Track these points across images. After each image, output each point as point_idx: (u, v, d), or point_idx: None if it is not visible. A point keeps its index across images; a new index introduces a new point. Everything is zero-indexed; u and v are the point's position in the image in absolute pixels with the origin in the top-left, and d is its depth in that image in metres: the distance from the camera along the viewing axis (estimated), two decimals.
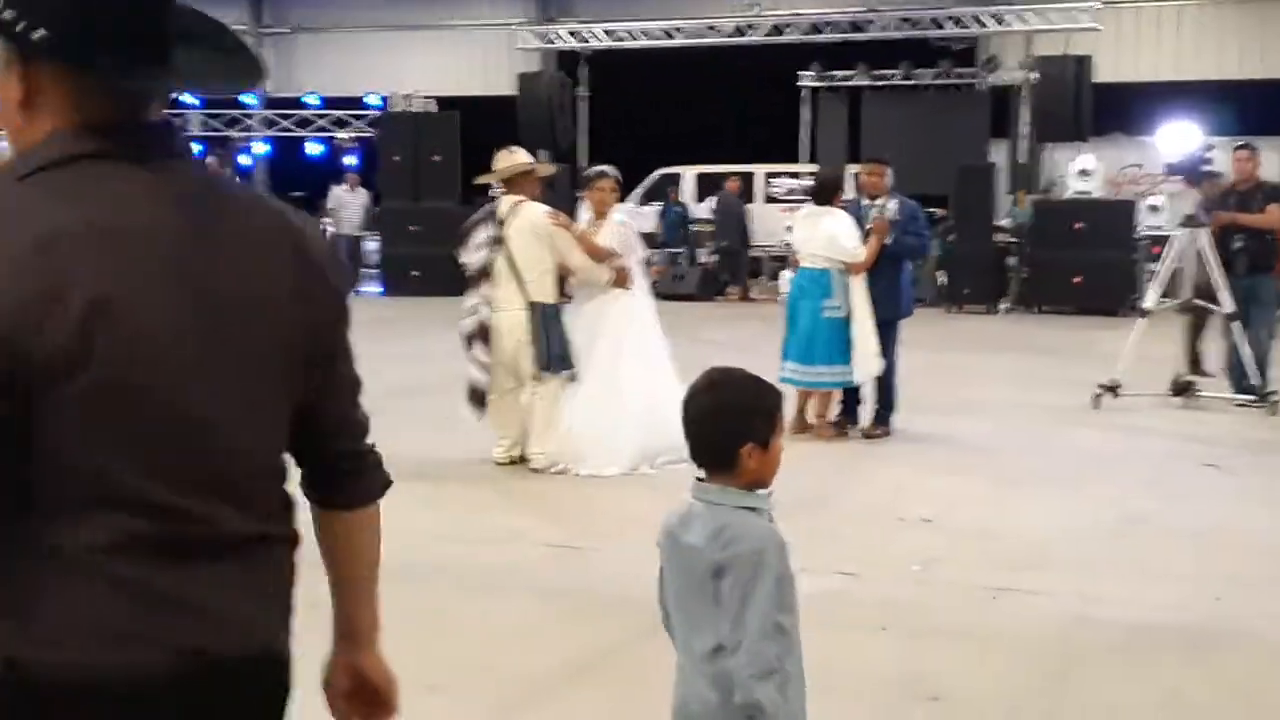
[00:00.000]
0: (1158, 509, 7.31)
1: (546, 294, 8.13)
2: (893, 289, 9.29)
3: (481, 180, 8.99)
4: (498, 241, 8.12)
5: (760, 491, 2.72)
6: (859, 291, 9.00)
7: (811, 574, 5.94)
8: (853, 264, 9.00)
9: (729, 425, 2.71)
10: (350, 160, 24.98)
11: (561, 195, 15.63)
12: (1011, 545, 6.57)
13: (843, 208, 9.30)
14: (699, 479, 2.75)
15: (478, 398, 8.14)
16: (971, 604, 5.67)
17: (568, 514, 7.26)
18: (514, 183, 8.33)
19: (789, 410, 9.22)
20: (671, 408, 8.12)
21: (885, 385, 9.37)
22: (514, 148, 8.54)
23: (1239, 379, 10.71)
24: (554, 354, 8.07)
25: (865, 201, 9.39)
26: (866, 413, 9.49)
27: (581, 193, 8.59)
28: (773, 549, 2.60)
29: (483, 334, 8.08)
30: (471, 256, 8.23)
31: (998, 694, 4.65)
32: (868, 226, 9.10)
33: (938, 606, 5.65)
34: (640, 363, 8.32)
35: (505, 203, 8.23)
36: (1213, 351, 11.64)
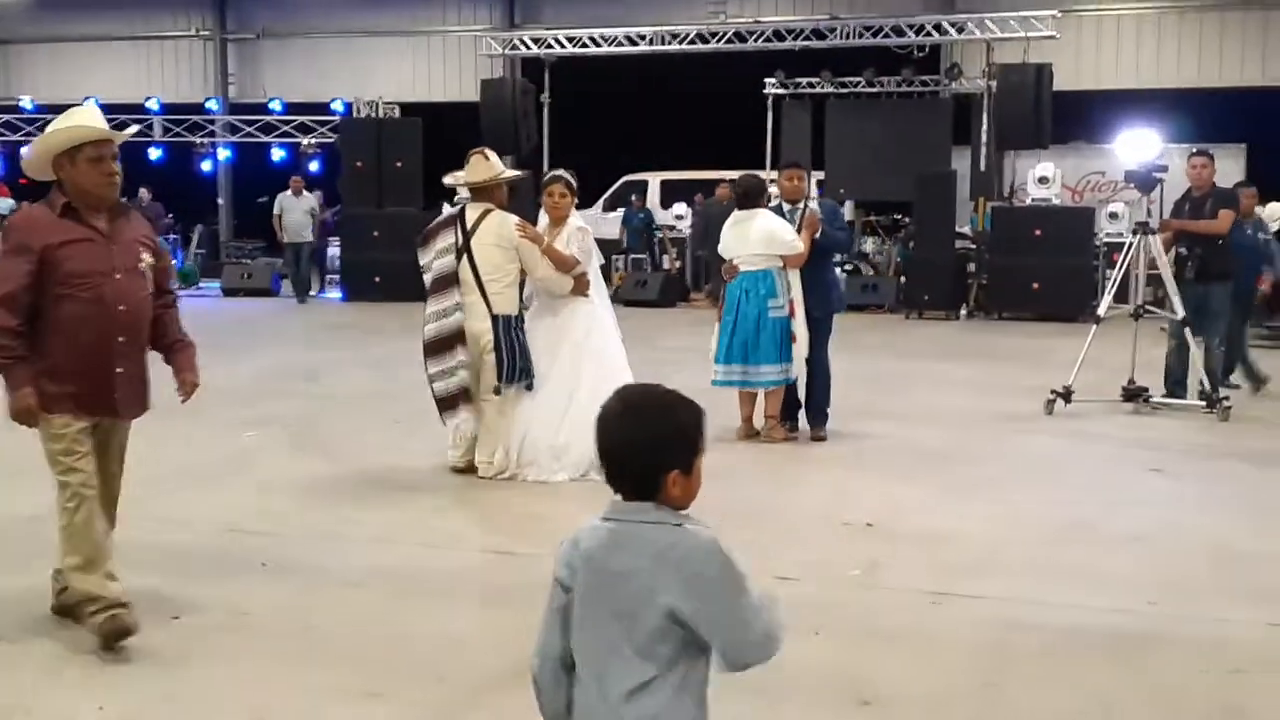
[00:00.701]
0: (1100, 514, 7.37)
1: (510, 305, 8.06)
2: (824, 284, 9.47)
3: (451, 181, 8.77)
4: (464, 249, 8.03)
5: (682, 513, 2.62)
6: (796, 286, 9.11)
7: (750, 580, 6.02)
8: (792, 257, 9.07)
9: (651, 455, 2.58)
10: (313, 166, 24.92)
11: (525, 201, 15.66)
12: (954, 550, 6.61)
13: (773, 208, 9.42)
14: (619, 500, 2.63)
15: (465, 396, 8.03)
16: (910, 609, 5.70)
17: (510, 520, 7.26)
18: (482, 189, 8.20)
19: (735, 417, 9.35)
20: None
21: (821, 384, 9.43)
22: (488, 152, 8.33)
23: (1175, 384, 10.86)
24: (516, 366, 8.02)
25: (787, 206, 9.44)
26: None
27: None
28: (729, 550, 2.54)
29: (461, 337, 7.97)
30: (432, 260, 8.13)
31: (929, 698, 4.68)
32: (795, 225, 9.19)
33: (876, 611, 5.68)
34: (599, 371, 8.16)
35: (473, 210, 8.12)
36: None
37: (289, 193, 22.42)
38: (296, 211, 22.15)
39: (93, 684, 4.75)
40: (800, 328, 9.17)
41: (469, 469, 8.21)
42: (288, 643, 5.18)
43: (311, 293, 22.72)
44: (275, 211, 22.35)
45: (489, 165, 8.22)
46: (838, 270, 19.98)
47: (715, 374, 9.33)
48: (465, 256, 8.02)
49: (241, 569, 6.18)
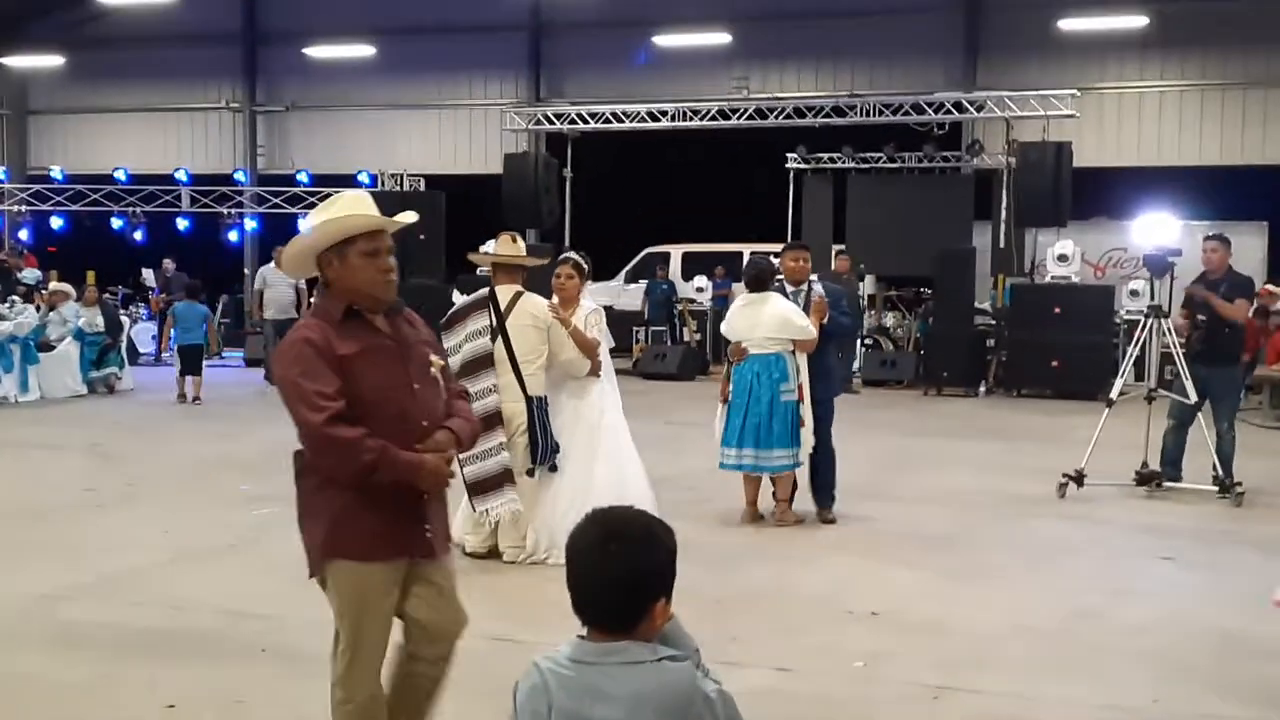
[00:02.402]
0: (1107, 603, 7.30)
1: (541, 386, 8.08)
2: (826, 369, 9.44)
3: (479, 259, 8.78)
4: (499, 330, 8.01)
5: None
6: (805, 371, 9.12)
7: (745, 668, 5.98)
8: (804, 342, 9.09)
9: (644, 588, 2.50)
10: None
11: (544, 277, 15.73)
12: (958, 642, 6.55)
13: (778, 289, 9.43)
14: (585, 638, 2.52)
15: (509, 477, 7.92)
16: (911, 703, 5.65)
17: (522, 606, 7.21)
18: (507, 269, 8.19)
19: (737, 499, 9.34)
20: (635, 491, 8.12)
21: (826, 464, 9.42)
22: (517, 236, 8.37)
23: (1169, 464, 10.81)
24: (549, 447, 8.02)
25: (790, 288, 9.45)
26: (804, 498, 9.56)
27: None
28: (701, 681, 2.49)
29: (499, 418, 7.90)
30: (462, 343, 8.07)
31: None
32: (800, 306, 9.22)
33: (876, 706, 5.63)
34: (612, 452, 8.33)
35: (504, 291, 8.10)
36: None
37: (272, 265, 19.48)
38: (281, 285, 19.39)
39: None
40: (807, 412, 9.17)
41: (490, 554, 8.16)
42: None
43: None
44: (256, 286, 20.03)
45: (516, 245, 8.24)
46: (857, 344, 20.02)
47: (724, 457, 9.33)
48: (501, 337, 8.00)
49: (240, 654, 6.17)
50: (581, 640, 2.53)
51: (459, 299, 8.63)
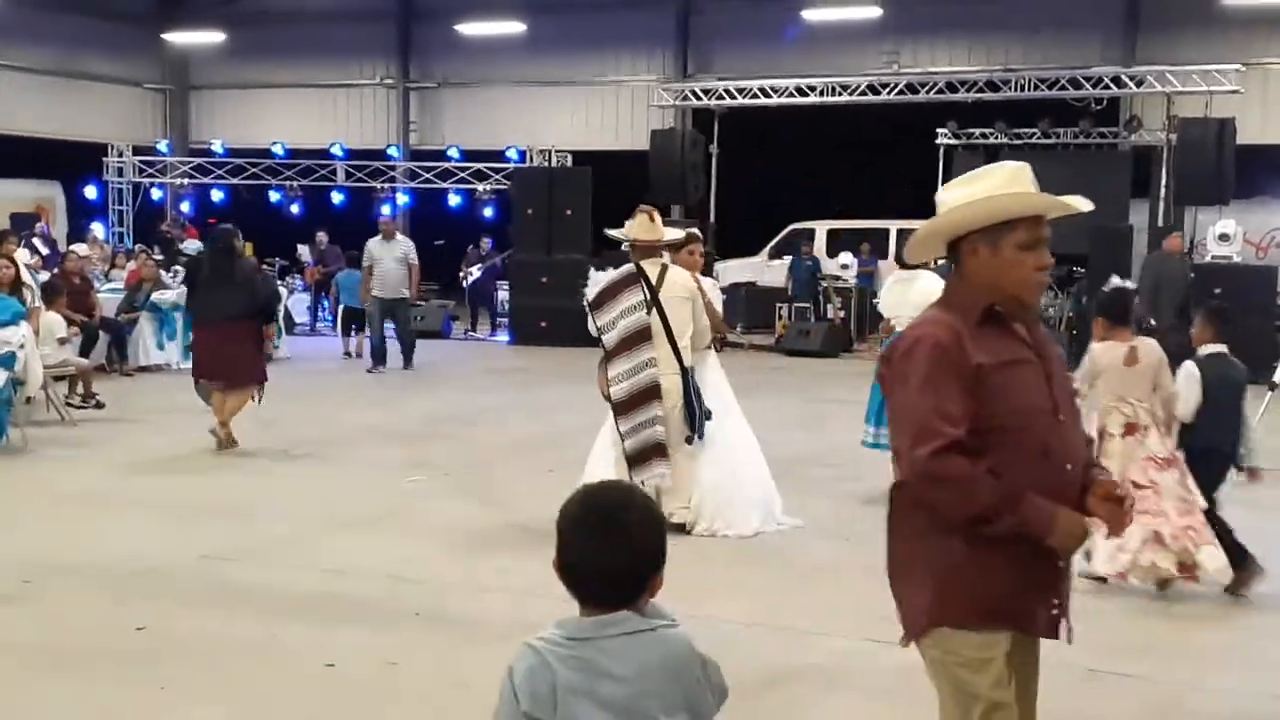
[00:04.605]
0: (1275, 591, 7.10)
1: (690, 358, 8.18)
2: None
3: (617, 234, 8.74)
4: (653, 303, 8.10)
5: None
6: None
7: (894, 648, 5.94)
8: None
9: (647, 565, 2.50)
10: (488, 212, 25.45)
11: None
12: (1109, 627, 6.43)
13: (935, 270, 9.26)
14: (589, 615, 2.50)
15: (661, 450, 8.05)
16: (1063, 682, 5.56)
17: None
18: (646, 246, 8.27)
19: (883, 476, 9.23)
20: (755, 469, 8.20)
21: None
22: (655, 213, 8.40)
23: None
24: (702, 416, 8.13)
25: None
26: None
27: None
28: (694, 640, 2.55)
29: (657, 391, 8.03)
30: (616, 319, 8.15)
31: None
32: None
33: None
34: (738, 419, 8.54)
35: (651, 266, 8.19)
36: None
37: (379, 238, 17.56)
38: (388, 260, 17.21)
39: None
40: None
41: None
42: (435, 699, 5.30)
43: (381, 367, 17.23)
44: (365, 262, 17.51)
45: (654, 226, 8.32)
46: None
47: (865, 435, 9.29)
48: (655, 310, 8.10)
49: (396, 618, 6.34)
50: (575, 618, 2.50)
51: (597, 276, 8.72)
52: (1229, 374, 7.12)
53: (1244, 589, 6.88)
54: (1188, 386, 6.96)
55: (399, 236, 17.83)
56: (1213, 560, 6.73)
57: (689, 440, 8.11)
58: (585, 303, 8.45)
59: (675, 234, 8.67)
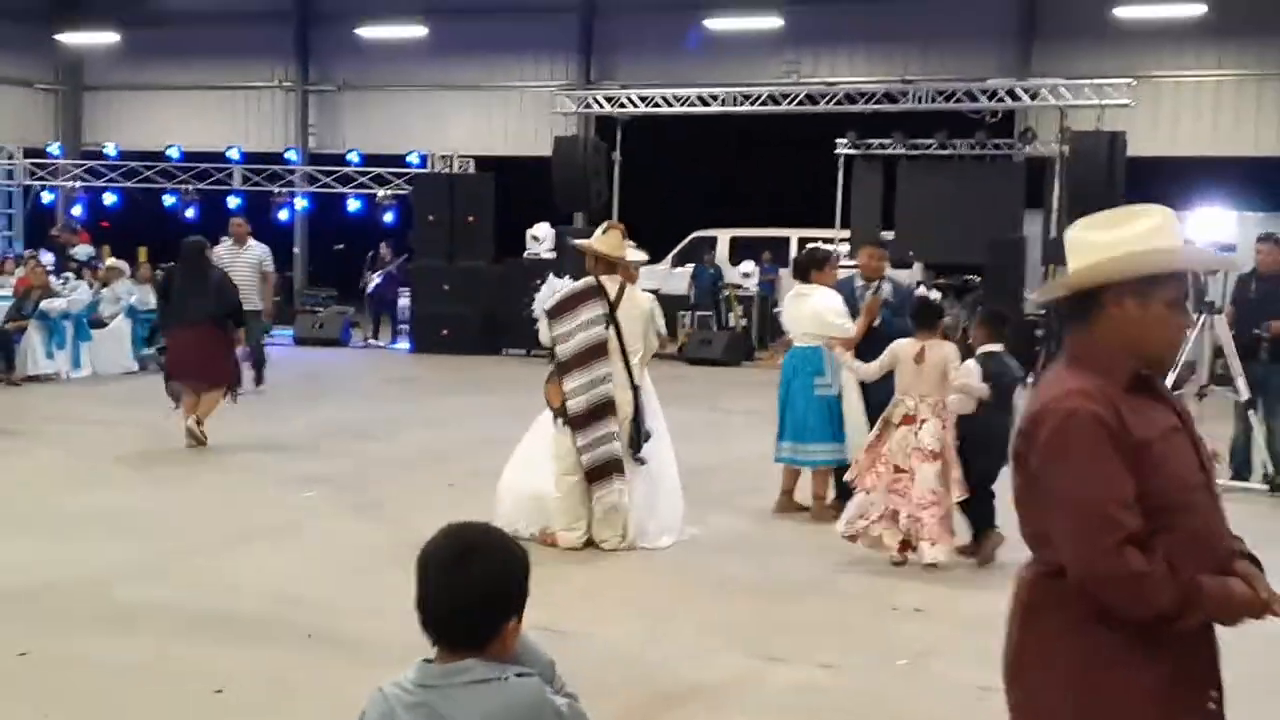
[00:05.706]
0: None
1: (640, 376, 8.28)
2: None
3: (586, 246, 8.65)
4: (610, 319, 8.14)
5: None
6: (844, 369, 9.00)
7: (789, 664, 6.00)
8: (841, 340, 8.95)
9: (499, 606, 2.45)
10: (388, 217, 25.20)
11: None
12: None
13: (835, 287, 9.33)
14: (432, 660, 2.47)
15: (618, 467, 8.08)
16: (955, 703, 5.64)
17: (567, 594, 7.20)
18: (607, 261, 8.31)
19: (775, 490, 9.33)
20: (672, 490, 8.37)
21: None
22: (622, 229, 8.53)
23: (1240, 465, 10.71)
24: (643, 436, 8.21)
25: (859, 283, 9.45)
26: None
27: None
28: (551, 697, 2.47)
29: (611, 407, 8.07)
30: (574, 331, 8.14)
31: None
32: (862, 305, 9.19)
33: (918, 703, 5.63)
34: (665, 437, 8.59)
35: (610, 282, 8.23)
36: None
37: (229, 242, 15.64)
38: (239, 267, 14.70)
39: None
40: (852, 409, 9.07)
41: (589, 545, 8.17)
42: None
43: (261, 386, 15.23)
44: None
45: (620, 244, 8.39)
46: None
47: (780, 450, 9.31)
48: (613, 326, 8.14)
49: (288, 639, 6.24)
50: (427, 663, 2.47)
51: (555, 283, 8.71)
52: (1003, 371, 8.01)
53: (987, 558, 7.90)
54: (970, 378, 7.83)
55: (252, 241, 15.87)
56: (931, 554, 7.69)
57: (639, 460, 8.20)
58: (541, 309, 8.39)
59: (637, 255, 8.72)
